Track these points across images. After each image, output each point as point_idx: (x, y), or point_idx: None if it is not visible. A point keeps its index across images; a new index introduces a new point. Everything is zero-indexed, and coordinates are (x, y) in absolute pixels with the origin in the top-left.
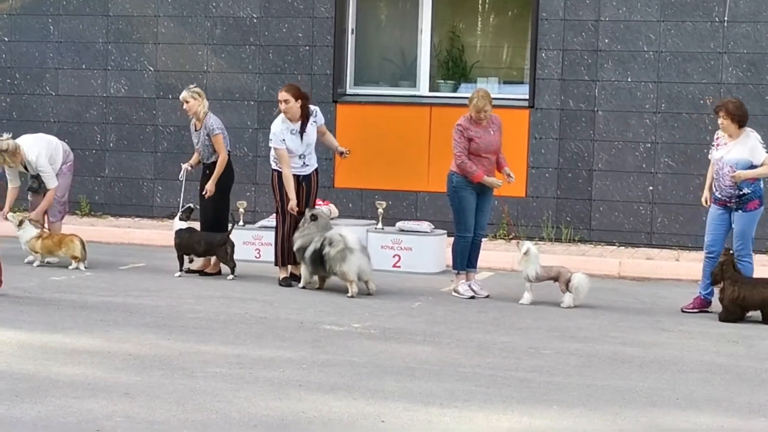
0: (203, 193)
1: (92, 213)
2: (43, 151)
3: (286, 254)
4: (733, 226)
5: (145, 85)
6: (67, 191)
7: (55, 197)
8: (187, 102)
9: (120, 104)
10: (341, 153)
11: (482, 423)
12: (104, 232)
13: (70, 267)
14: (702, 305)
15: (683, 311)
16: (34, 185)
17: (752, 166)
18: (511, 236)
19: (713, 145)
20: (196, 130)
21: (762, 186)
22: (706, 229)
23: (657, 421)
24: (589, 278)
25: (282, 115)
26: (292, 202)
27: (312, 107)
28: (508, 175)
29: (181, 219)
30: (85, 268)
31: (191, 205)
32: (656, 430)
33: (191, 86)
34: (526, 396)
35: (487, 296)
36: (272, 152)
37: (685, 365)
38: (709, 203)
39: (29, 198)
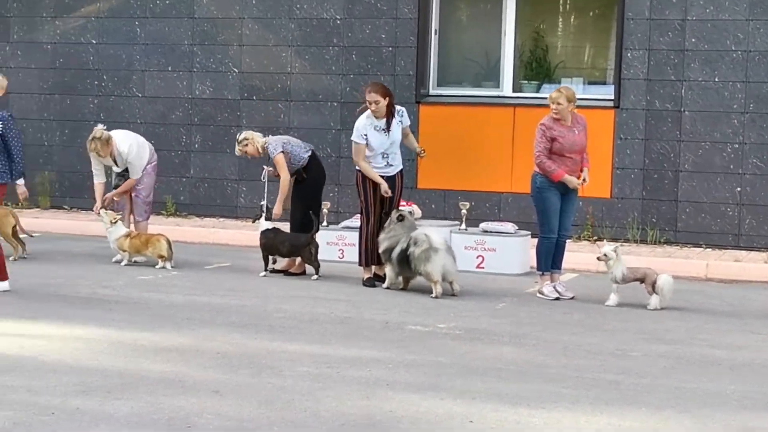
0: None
1: (177, 213)
2: (133, 144)
3: (370, 255)
4: None
5: (230, 87)
6: (152, 191)
7: (140, 197)
8: (246, 153)
9: (205, 105)
10: (418, 153)
11: (571, 424)
12: (189, 232)
13: (157, 266)
14: None
15: None
16: (120, 183)
17: None
18: (595, 238)
19: None
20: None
21: None
22: None
23: (748, 424)
24: (674, 280)
25: (368, 112)
26: (383, 186)
27: (399, 107)
28: (583, 180)
29: (266, 219)
30: (172, 267)
31: (264, 204)
32: None
33: (237, 139)
34: (615, 398)
35: (572, 298)
36: None
37: None
38: None
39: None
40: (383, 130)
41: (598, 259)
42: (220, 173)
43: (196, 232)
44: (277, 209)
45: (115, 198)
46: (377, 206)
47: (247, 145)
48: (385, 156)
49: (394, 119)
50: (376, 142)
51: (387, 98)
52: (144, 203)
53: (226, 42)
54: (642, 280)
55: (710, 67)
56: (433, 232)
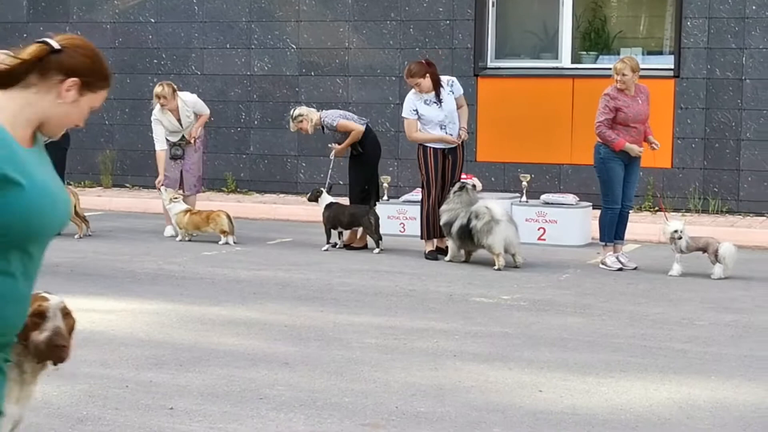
0: (331, 156)
1: (238, 190)
2: (197, 97)
3: (432, 228)
4: None
5: (288, 63)
6: (201, 165)
7: (190, 171)
8: (301, 128)
9: (263, 82)
10: (459, 134)
11: (640, 393)
12: (251, 209)
13: (219, 242)
14: None
15: None
16: (178, 152)
17: None
18: (656, 209)
19: None
20: (324, 132)
21: None
22: None
23: None
24: (737, 248)
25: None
26: (446, 138)
27: (449, 78)
28: (652, 143)
29: (308, 200)
30: (234, 242)
31: (320, 189)
32: None
33: (292, 114)
34: (683, 366)
35: (635, 268)
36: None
37: None
38: None
39: (172, 164)
40: (434, 102)
41: (671, 239)
42: (279, 149)
43: (257, 208)
44: (339, 149)
45: (194, 134)
46: (439, 179)
47: (302, 121)
48: (443, 127)
49: (443, 90)
50: (431, 114)
51: (427, 75)
52: (194, 177)
53: (284, 18)
54: (704, 250)
55: None
56: (495, 204)
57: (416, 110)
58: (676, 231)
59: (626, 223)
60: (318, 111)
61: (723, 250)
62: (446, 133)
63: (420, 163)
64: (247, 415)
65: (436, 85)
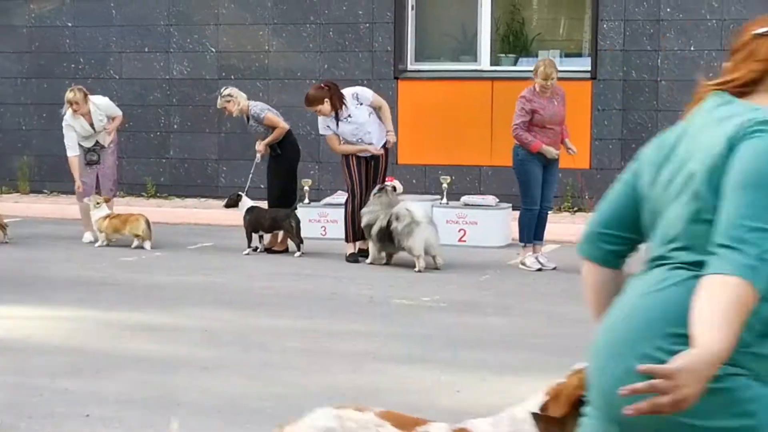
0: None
1: (158, 195)
2: (108, 100)
3: (356, 230)
4: None
5: (208, 67)
6: (117, 170)
7: (106, 175)
8: (226, 109)
9: (183, 86)
10: (386, 140)
11: None
12: (171, 213)
13: (132, 246)
14: None
15: None
16: (94, 158)
17: None
18: (575, 209)
19: None
20: (249, 123)
21: None
22: None
23: None
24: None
25: None
26: (371, 148)
27: (353, 91)
28: (569, 149)
29: (225, 207)
30: (150, 248)
31: (238, 194)
32: None
33: (221, 92)
34: None
35: (554, 268)
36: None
37: None
38: None
39: (87, 170)
40: (344, 119)
41: None
42: (200, 153)
43: (177, 212)
44: (260, 146)
45: (110, 129)
46: (363, 183)
47: (229, 101)
48: (360, 140)
49: (351, 104)
50: (343, 130)
51: (326, 100)
52: (110, 181)
53: (203, 22)
54: None
55: (686, 36)
56: (415, 206)
57: (329, 126)
58: None
59: (545, 224)
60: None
61: None
62: (365, 143)
63: (343, 168)
64: (163, 422)
65: (337, 105)
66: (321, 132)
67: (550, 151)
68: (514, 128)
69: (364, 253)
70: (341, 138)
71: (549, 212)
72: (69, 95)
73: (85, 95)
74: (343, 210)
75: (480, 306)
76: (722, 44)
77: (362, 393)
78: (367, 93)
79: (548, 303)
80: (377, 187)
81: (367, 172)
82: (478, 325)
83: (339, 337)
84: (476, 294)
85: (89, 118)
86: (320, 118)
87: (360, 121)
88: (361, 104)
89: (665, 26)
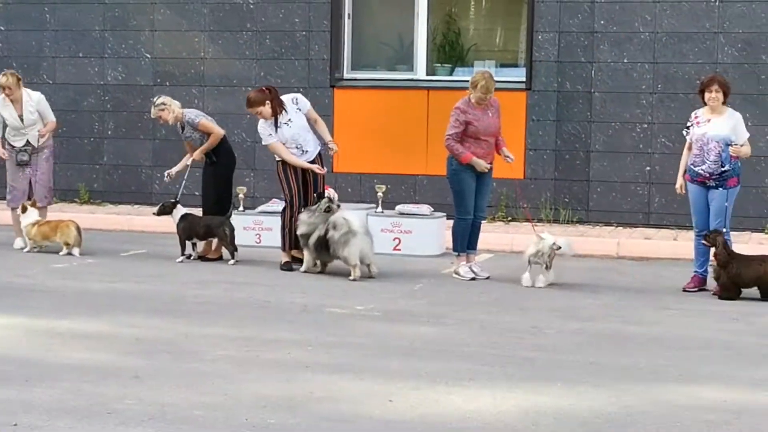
0: (188, 162)
1: (91, 201)
2: (45, 99)
3: (292, 239)
4: (711, 203)
5: (142, 73)
6: (52, 176)
7: (41, 182)
8: (161, 117)
9: (117, 92)
10: (329, 148)
11: (488, 401)
12: (104, 220)
13: (61, 253)
14: (700, 283)
15: (685, 291)
16: (24, 158)
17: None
18: (509, 219)
19: (690, 125)
20: (183, 131)
21: (740, 165)
22: (693, 210)
23: (660, 397)
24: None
25: None
26: (314, 167)
27: (293, 96)
28: (507, 156)
29: (157, 215)
30: (80, 254)
31: (171, 201)
32: (660, 405)
33: (154, 101)
34: (531, 374)
35: (488, 277)
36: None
37: (687, 342)
38: (683, 191)
39: (19, 174)
40: (283, 124)
41: (550, 251)
42: (134, 159)
43: (111, 219)
44: (197, 154)
45: (42, 132)
46: (300, 191)
47: (163, 109)
48: (298, 146)
49: (290, 109)
50: (283, 135)
51: (266, 102)
52: (44, 188)
53: (138, 27)
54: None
55: (619, 48)
56: (352, 216)
57: (271, 134)
58: (554, 244)
59: (478, 233)
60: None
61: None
62: (302, 150)
63: (279, 176)
64: (94, 430)
65: (277, 110)
66: (264, 142)
67: (480, 164)
68: (447, 139)
69: (298, 261)
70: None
71: (483, 222)
72: (2, 79)
73: (19, 80)
74: (279, 218)
75: (413, 315)
76: (655, 57)
77: (294, 402)
78: (305, 100)
79: (481, 312)
80: (326, 204)
81: (305, 181)
82: (412, 333)
83: (271, 346)
84: (410, 303)
85: (20, 108)
86: (261, 127)
87: (299, 125)
88: (299, 110)
89: (599, 38)
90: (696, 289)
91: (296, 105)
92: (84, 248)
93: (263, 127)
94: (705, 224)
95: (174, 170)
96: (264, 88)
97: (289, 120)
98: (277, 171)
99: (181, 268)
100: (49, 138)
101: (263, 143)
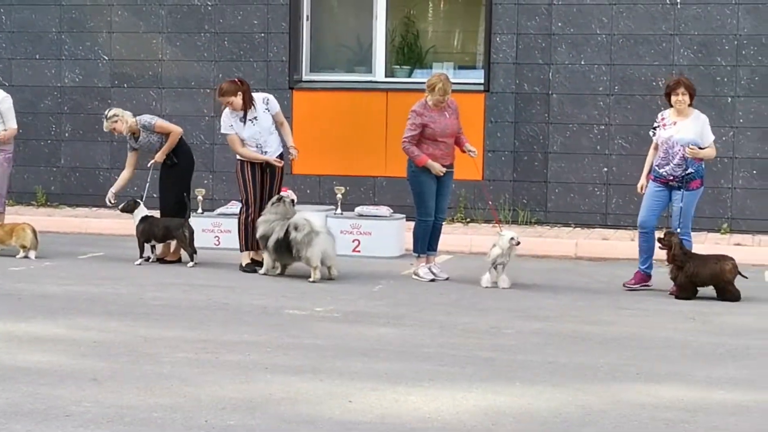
0: (150, 165)
1: (48, 203)
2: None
3: (249, 240)
4: (673, 205)
5: (100, 75)
6: (6, 183)
7: None
8: (115, 129)
9: (74, 94)
10: (290, 153)
11: (448, 401)
12: (62, 222)
13: (18, 256)
14: (643, 280)
15: (625, 286)
16: None
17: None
18: (468, 220)
19: (656, 126)
20: (137, 140)
21: (704, 167)
22: (644, 205)
23: (619, 396)
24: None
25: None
26: (270, 159)
27: (265, 95)
28: (470, 151)
29: (120, 210)
30: (36, 257)
31: (133, 200)
32: (618, 404)
33: (106, 114)
34: (490, 374)
35: (447, 279)
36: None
37: (645, 342)
38: (644, 189)
39: None
40: (249, 120)
41: (515, 245)
42: (91, 162)
43: (68, 222)
44: (159, 156)
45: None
46: (256, 192)
47: (116, 121)
48: (259, 145)
49: (258, 108)
50: (244, 133)
51: (239, 93)
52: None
53: (95, 29)
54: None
55: (576, 50)
56: (313, 216)
57: (232, 126)
58: (512, 238)
59: (439, 235)
60: (133, 116)
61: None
62: (262, 150)
63: (238, 177)
64: None
65: (247, 105)
66: (223, 131)
67: (435, 167)
68: (403, 142)
69: (258, 264)
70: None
71: (443, 223)
72: None
73: None
74: (236, 220)
75: (373, 316)
76: (611, 59)
77: (254, 404)
78: (275, 102)
79: (440, 313)
80: (275, 197)
81: (262, 182)
82: (371, 335)
83: (230, 348)
84: (369, 304)
85: None
86: (225, 116)
87: (264, 125)
88: (268, 111)
89: (557, 40)
90: (638, 285)
91: (266, 105)
92: (41, 251)
93: (227, 117)
94: (651, 222)
95: (113, 191)
96: (237, 80)
97: (255, 118)
98: (236, 171)
99: (140, 270)
100: (10, 144)
101: (221, 131)
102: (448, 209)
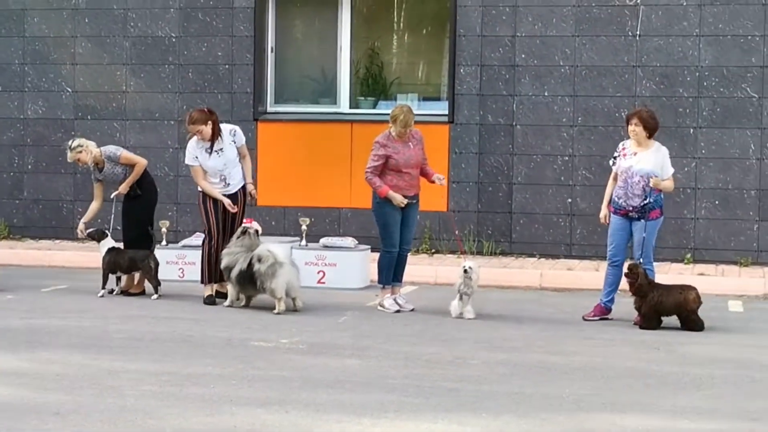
0: (113, 197)
1: (11, 236)
2: None
3: (212, 272)
4: (634, 235)
5: (63, 106)
6: None
7: None
8: (79, 160)
9: (38, 126)
10: (249, 193)
11: None
12: (24, 255)
13: None
14: (603, 312)
15: (584, 319)
16: None
17: None
18: (433, 251)
19: (617, 155)
20: (101, 171)
21: (662, 197)
22: (609, 239)
23: (584, 425)
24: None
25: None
26: (225, 201)
27: (232, 127)
28: (438, 179)
29: (91, 236)
30: None
31: (102, 230)
32: None
33: (69, 144)
34: (455, 405)
35: (412, 310)
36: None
37: (610, 371)
38: (607, 221)
39: None
40: (215, 151)
41: (465, 272)
42: (55, 194)
43: (31, 254)
44: (122, 187)
45: None
46: (219, 224)
47: (81, 151)
48: (223, 177)
49: (225, 139)
50: (209, 164)
51: (209, 122)
52: None
53: (59, 61)
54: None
55: (540, 81)
56: (277, 247)
57: (197, 157)
58: (465, 269)
59: (404, 265)
60: (97, 147)
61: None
62: (226, 182)
63: (200, 208)
64: None
65: (216, 134)
66: (187, 161)
67: (396, 198)
68: (366, 172)
69: (222, 296)
70: (204, 170)
71: (408, 254)
72: None
73: None
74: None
75: (338, 347)
76: (575, 90)
77: None
78: (242, 134)
79: (405, 344)
80: (240, 229)
81: (225, 213)
82: (336, 366)
83: (195, 380)
84: (334, 335)
85: None
86: (191, 146)
87: (230, 157)
88: (234, 142)
89: (520, 72)
90: (596, 318)
91: (233, 137)
92: (3, 284)
93: (193, 148)
94: (620, 254)
95: (83, 222)
96: (206, 109)
97: (221, 149)
98: (198, 202)
99: (104, 303)
100: None
101: (186, 162)
102: (413, 240)
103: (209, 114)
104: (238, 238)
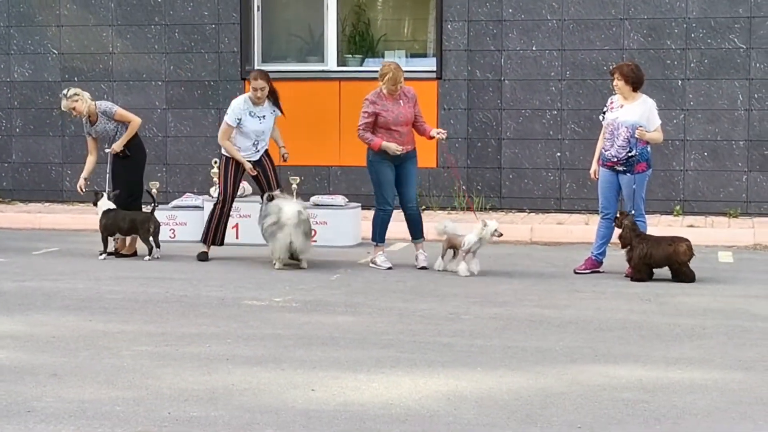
0: (108, 150)
1: (1, 199)
2: None
3: (215, 235)
4: (623, 189)
5: (50, 69)
6: None
7: None
8: (73, 109)
9: (24, 89)
10: (282, 155)
11: (409, 387)
12: (14, 218)
13: None
14: (594, 266)
15: (575, 272)
16: None
17: None
18: (423, 207)
19: (605, 109)
20: (93, 125)
21: (649, 150)
22: (599, 192)
23: (578, 377)
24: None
25: (246, 95)
26: (247, 165)
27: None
28: (438, 133)
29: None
30: None
31: (101, 192)
32: (577, 386)
33: (65, 93)
34: (450, 359)
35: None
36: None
37: (602, 324)
38: (597, 176)
39: None
40: (258, 117)
41: (498, 236)
42: (43, 157)
43: (21, 217)
44: (117, 145)
45: None
46: (234, 192)
47: (77, 100)
48: (256, 143)
49: (267, 108)
50: (250, 127)
51: (270, 83)
52: None
53: (44, 23)
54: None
55: (527, 36)
56: (288, 205)
57: (240, 119)
58: (496, 231)
59: (416, 222)
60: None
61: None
62: (256, 149)
63: (220, 171)
64: (13, 429)
65: (271, 98)
66: (227, 119)
67: (391, 147)
68: (358, 130)
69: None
70: (235, 134)
71: (415, 211)
72: None
73: None
74: (192, 212)
75: (331, 305)
76: (562, 44)
77: (216, 395)
78: (279, 111)
79: (398, 300)
80: (266, 196)
81: (255, 178)
82: (330, 323)
83: (190, 340)
84: (327, 293)
85: None
86: (238, 104)
87: (268, 125)
88: (274, 113)
89: (508, 26)
90: (587, 271)
91: (273, 107)
92: None
93: (239, 108)
94: (611, 206)
95: (83, 177)
96: (267, 73)
97: (264, 116)
98: (221, 165)
99: (96, 264)
100: None
101: (226, 119)
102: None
103: (270, 78)
104: (267, 204)
